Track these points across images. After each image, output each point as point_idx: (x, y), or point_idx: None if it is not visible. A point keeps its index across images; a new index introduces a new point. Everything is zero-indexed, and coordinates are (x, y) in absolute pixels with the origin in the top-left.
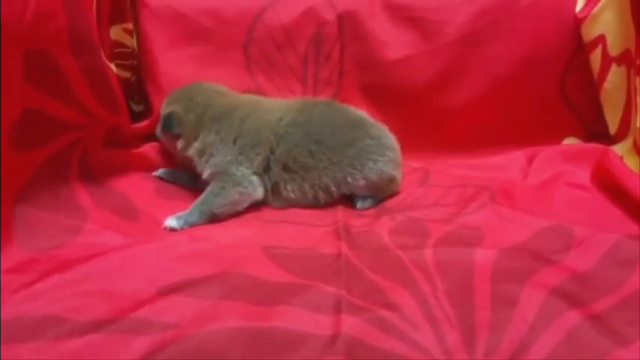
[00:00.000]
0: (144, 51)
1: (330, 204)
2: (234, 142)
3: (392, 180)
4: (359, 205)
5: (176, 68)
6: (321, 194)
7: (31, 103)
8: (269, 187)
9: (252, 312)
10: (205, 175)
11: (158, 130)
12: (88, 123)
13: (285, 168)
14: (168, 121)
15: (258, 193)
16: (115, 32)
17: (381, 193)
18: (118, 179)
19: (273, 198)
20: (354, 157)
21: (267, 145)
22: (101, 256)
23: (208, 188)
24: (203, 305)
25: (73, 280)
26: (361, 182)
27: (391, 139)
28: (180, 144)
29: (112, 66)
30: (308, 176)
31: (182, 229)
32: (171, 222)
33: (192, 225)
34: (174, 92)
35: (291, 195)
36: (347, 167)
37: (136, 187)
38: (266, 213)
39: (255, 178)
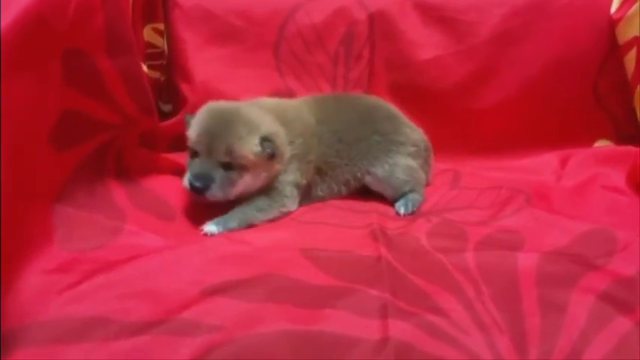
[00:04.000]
0: (175, 51)
1: (364, 205)
2: (291, 156)
3: (404, 178)
4: (402, 211)
5: (207, 68)
6: (343, 188)
7: (70, 103)
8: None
9: (298, 315)
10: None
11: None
12: (122, 123)
13: (319, 171)
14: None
15: (296, 206)
16: (146, 32)
17: (397, 190)
18: (152, 179)
19: (301, 198)
20: (364, 152)
21: (313, 150)
22: (143, 257)
23: (254, 200)
24: (247, 308)
25: (117, 281)
26: (368, 178)
27: (404, 135)
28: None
29: (144, 67)
30: (334, 174)
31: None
32: (210, 227)
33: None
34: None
35: (320, 194)
36: (359, 162)
37: (170, 188)
38: (299, 214)
39: (296, 193)
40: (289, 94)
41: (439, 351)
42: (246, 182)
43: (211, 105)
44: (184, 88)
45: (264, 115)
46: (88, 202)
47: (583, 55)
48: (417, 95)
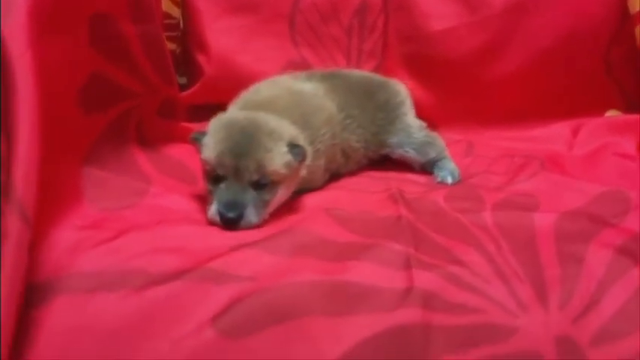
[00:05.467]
0: (191, 22)
1: (381, 173)
2: (315, 151)
3: (423, 138)
4: (449, 180)
5: (223, 39)
6: (364, 163)
7: (96, 67)
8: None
9: (324, 268)
10: None
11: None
12: (144, 91)
13: (343, 153)
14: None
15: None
16: (163, 2)
17: (421, 151)
18: (172, 147)
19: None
20: (378, 132)
21: (338, 136)
22: (172, 218)
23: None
24: (275, 261)
25: (150, 238)
26: (388, 150)
27: (397, 93)
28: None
29: None
30: (357, 155)
31: None
32: None
33: None
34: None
35: (345, 170)
36: (376, 141)
37: (190, 155)
38: None
39: (327, 177)
40: (304, 65)
41: (462, 298)
42: (278, 199)
43: (222, 119)
44: (200, 59)
45: (279, 118)
46: (114, 165)
47: (595, 25)
48: (430, 66)
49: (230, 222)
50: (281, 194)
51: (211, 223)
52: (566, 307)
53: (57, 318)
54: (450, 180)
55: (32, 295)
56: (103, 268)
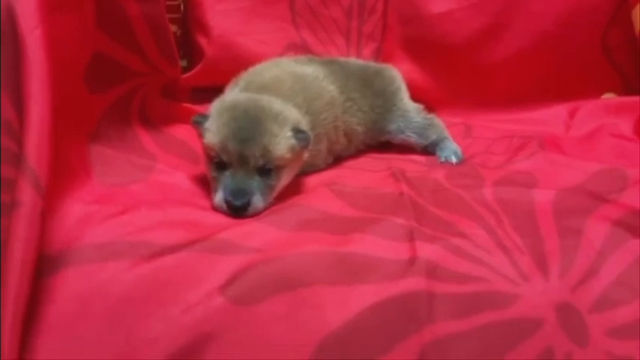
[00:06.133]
0: (192, 4)
1: (382, 154)
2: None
3: (422, 121)
4: (454, 160)
5: (224, 21)
6: (362, 147)
7: (101, 46)
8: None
9: (330, 240)
10: None
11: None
12: (147, 71)
13: (345, 134)
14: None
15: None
16: None
17: (422, 134)
18: (175, 128)
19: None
20: (376, 119)
21: (339, 118)
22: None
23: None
24: (282, 234)
25: (157, 213)
26: (389, 136)
27: (392, 80)
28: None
29: None
30: (357, 140)
31: None
32: None
33: None
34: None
35: (347, 153)
36: (376, 127)
37: (192, 136)
38: None
39: (330, 160)
40: (304, 47)
41: (465, 268)
42: (282, 184)
43: (225, 102)
44: (201, 41)
45: (283, 101)
46: (119, 143)
47: (592, 7)
48: (429, 49)
49: (237, 210)
50: (285, 178)
51: (217, 210)
52: (566, 276)
53: (69, 286)
54: (454, 159)
55: (44, 266)
56: (113, 240)
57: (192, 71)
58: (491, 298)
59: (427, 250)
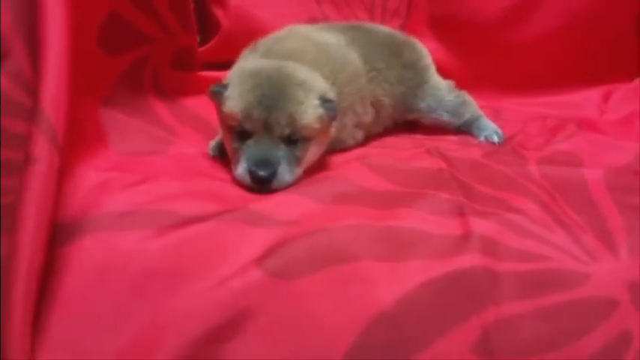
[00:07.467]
0: None
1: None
2: (350, 110)
3: (454, 99)
4: (495, 139)
5: None
6: (389, 125)
7: (115, 5)
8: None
9: (371, 214)
10: None
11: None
12: (162, 37)
13: (373, 106)
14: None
15: None
16: None
17: (455, 113)
18: (189, 99)
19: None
20: (404, 91)
21: (364, 89)
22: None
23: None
24: (318, 206)
25: (180, 183)
26: (417, 115)
27: (422, 55)
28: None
29: None
30: (384, 113)
31: None
32: None
33: None
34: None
35: (375, 129)
36: (404, 101)
37: (206, 107)
38: None
39: (361, 134)
40: (325, 21)
41: (525, 245)
42: (311, 156)
43: (246, 69)
44: (218, 13)
45: (309, 69)
46: (134, 111)
47: None
48: (456, 27)
49: (262, 181)
50: (313, 152)
51: (239, 183)
52: (636, 254)
53: (86, 256)
54: (495, 138)
55: (59, 234)
56: (133, 209)
57: (207, 45)
58: (559, 278)
59: (481, 226)
